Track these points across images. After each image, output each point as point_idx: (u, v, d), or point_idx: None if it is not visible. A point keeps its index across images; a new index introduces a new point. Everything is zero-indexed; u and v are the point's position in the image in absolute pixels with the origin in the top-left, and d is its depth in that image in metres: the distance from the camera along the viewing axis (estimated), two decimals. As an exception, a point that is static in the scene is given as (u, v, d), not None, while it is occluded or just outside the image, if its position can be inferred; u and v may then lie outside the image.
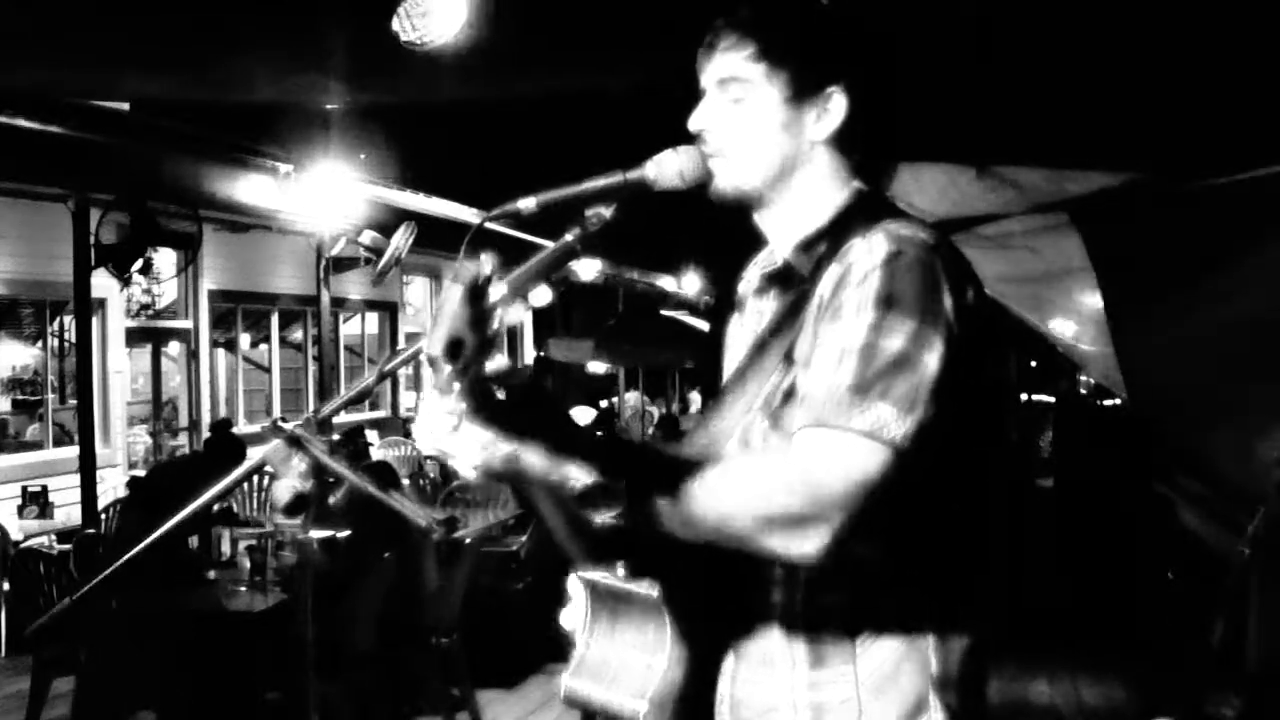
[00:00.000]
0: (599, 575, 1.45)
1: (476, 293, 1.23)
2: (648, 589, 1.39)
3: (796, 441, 1.30)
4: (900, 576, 1.39)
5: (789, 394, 1.39)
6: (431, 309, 15.57)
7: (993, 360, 1.43)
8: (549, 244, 1.36)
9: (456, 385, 1.22)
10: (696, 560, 1.35)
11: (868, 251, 1.35)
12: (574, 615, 1.50)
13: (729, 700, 1.45)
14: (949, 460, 1.34)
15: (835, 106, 1.47)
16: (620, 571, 1.42)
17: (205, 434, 7.16)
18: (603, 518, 1.29)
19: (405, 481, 8.26)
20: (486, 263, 1.27)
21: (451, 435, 1.28)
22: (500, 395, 1.27)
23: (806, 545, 1.26)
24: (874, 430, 1.27)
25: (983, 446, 1.42)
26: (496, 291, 1.26)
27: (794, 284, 1.47)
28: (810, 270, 1.44)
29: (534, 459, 1.29)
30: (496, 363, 1.25)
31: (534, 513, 1.47)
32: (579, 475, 1.28)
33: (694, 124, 1.50)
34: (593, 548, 1.45)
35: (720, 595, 1.43)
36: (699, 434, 1.48)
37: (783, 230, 1.52)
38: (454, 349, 1.19)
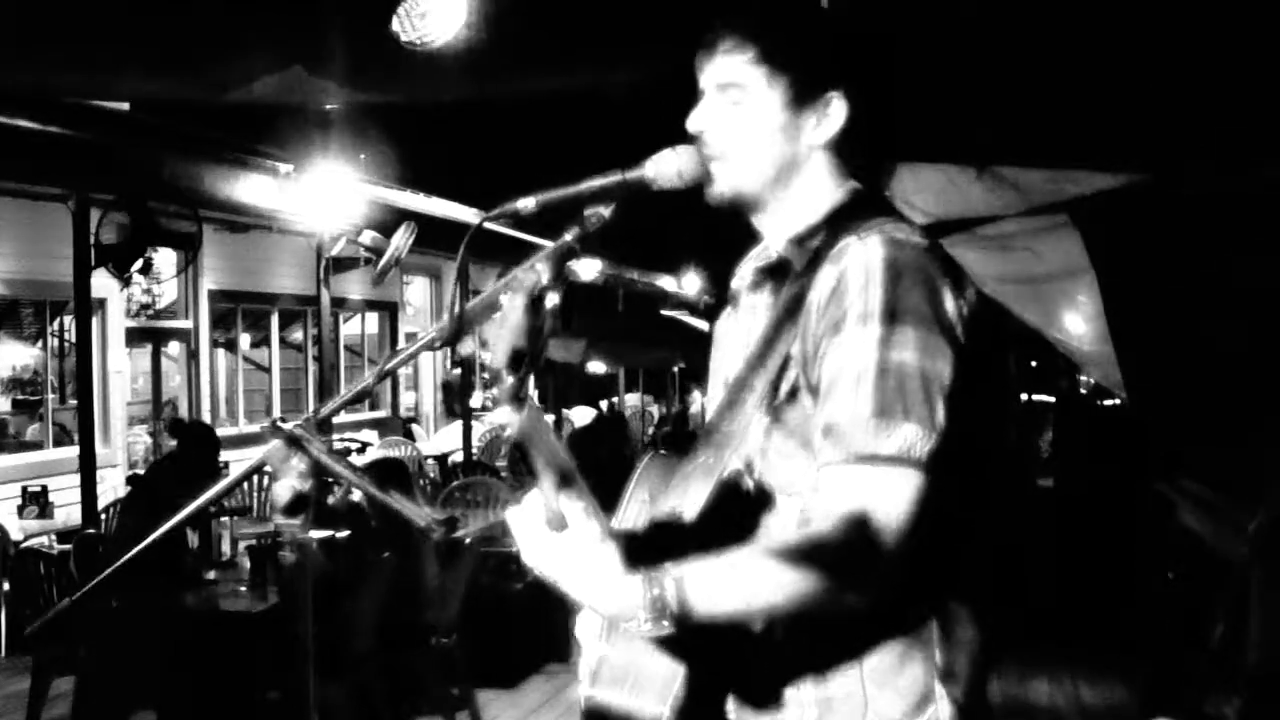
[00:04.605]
0: None
1: (538, 302, 1.24)
2: None
3: (830, 487, 1.32)
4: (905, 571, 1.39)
5: (791, 393, 1.40)
6: (432, 309, 15.58)
7: (994, 360, 1.44)
8: (548, 244, 1.36)
9: (511, 399, 1.21)
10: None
11: (864, 254, 1.36)
12: (590, 622, 1.50)
13: (735, 700, 1.45)
14: (954, 460, 1.34)
15: (835, 111, 1.48)
16: None
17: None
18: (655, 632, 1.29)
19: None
20: (545, 271, 1.28)
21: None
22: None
23: (867, 595, 1.30)
24: (903, 452, 1.29)
25: (985, 446, 1.43)
26: (550, 300, 1.27)
27: (788, 278, 1.47)
28: (805, 263, 1.44)
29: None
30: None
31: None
32: (630, 616, 1.27)
33: (693, 126, 1.50)
34: None
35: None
36: (708, 435, 1.48)
37: (778, 227, 1.52)
38: (516, 360, 1.19)
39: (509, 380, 1.17)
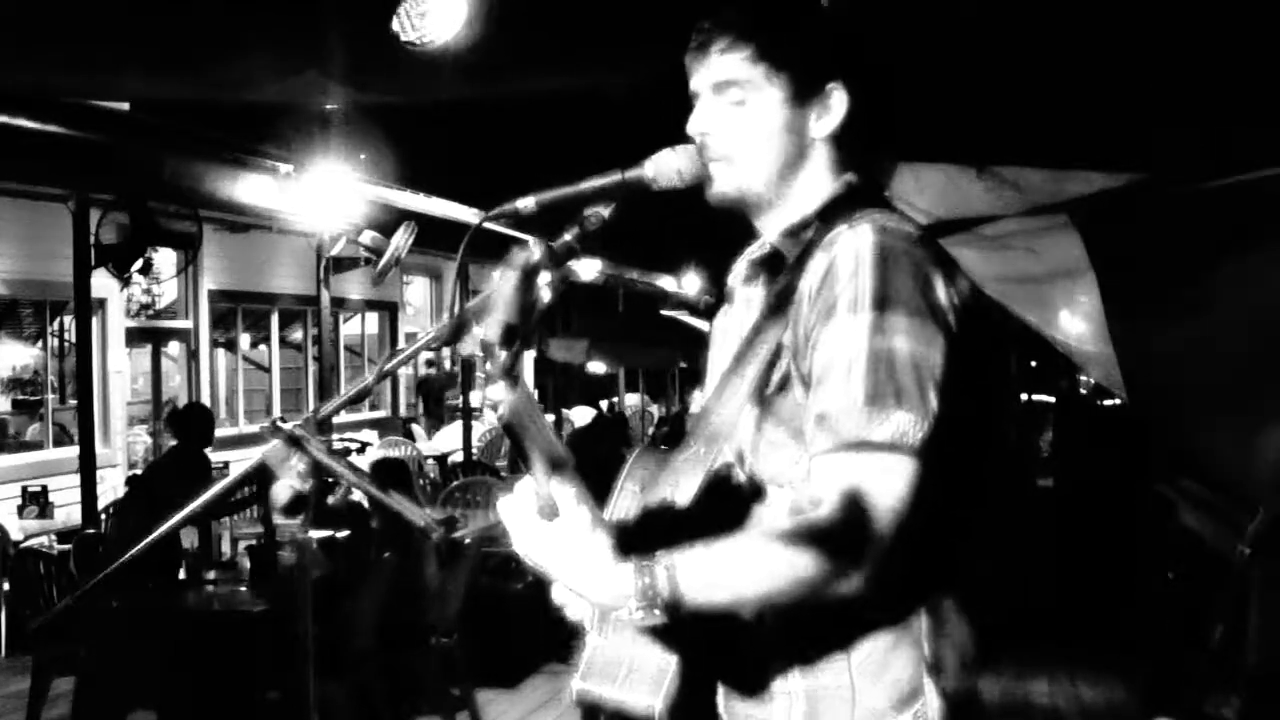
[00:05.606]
0: None
1: (529, 279, 1.23)
2: None
3: (823, 474, 1.31)
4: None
5: (782, 383, 1.40)
6: (432, 309, 15.58)
7: (990, 355, 1.44)
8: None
9: (504, 373, 1.21)
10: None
11: (854, 242, 1.35)
12: (582, 611, 1.49)
13: (724, 691, 1.45)
14: (946, 452, 1.34)
15: (836, 104, 1.47)
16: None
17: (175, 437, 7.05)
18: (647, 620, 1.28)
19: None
20: (537, 249, 1.28)
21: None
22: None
23: (859, 583, 1.28)
24: (896, 439, 1.28)
25: (979, 438, 1.42)
26: (544, 279, 1.27)
27: (781, 270, 1.46)
28: (797, 255, 1.43)
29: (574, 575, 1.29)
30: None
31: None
32: (622, 604, 1.27)
33: (693, 128, 1.49)
34: None
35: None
36: (699, 426, 1.47)
37: (775, 222, 1.52)
38: (509, 335, 1.19)
39: (502, 355, 1.17)
